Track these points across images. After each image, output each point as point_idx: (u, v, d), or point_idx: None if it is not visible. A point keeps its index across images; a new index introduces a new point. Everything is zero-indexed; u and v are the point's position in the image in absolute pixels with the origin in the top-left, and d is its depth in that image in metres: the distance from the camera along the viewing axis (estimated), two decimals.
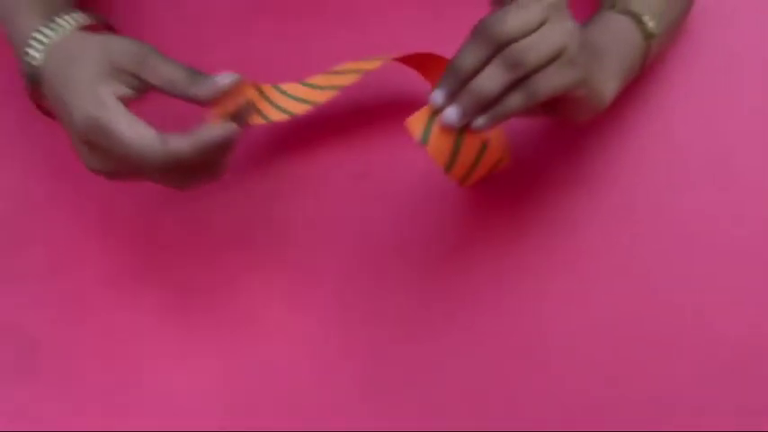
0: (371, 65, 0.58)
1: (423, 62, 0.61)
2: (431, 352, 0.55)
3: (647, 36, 0.57)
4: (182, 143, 0.48)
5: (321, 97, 0.58)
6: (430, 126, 0.51)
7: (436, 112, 0.50)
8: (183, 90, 0.50)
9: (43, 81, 0.53)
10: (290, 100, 0.57)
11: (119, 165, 0.50)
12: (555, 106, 0.53)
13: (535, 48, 0.48)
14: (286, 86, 0.58)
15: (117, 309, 0.57)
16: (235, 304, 0.57)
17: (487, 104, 0.49)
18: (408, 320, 0.56)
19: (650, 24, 0.57)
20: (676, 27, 0.62)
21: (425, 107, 0.51)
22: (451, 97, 0.49)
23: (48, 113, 0.57)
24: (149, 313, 0.57)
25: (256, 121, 0.55)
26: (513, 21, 0.48)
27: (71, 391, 0.55)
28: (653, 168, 0.61)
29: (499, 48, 0.48)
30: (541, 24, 0.49)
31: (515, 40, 0.48)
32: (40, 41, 0.52)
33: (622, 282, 0.57)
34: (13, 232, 0.60)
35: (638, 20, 0.57)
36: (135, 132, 0.48)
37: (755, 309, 0.56)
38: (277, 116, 0.56)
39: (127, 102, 0.51)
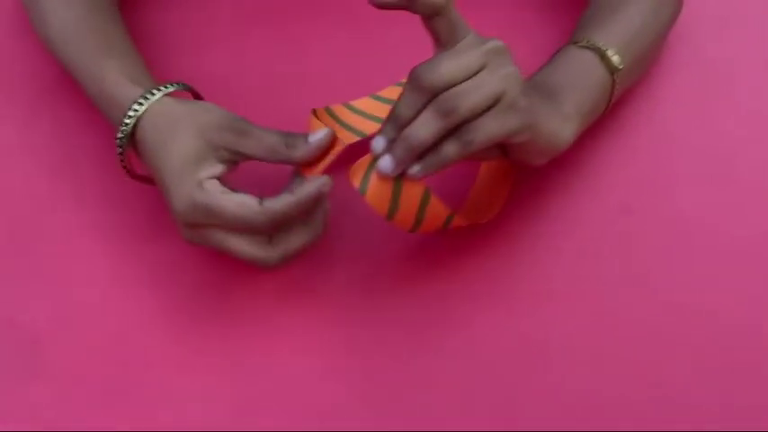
0: None
1: None
2: (432, 352, 0.55)
3: (612, 70, 0.56)
4: (279, 203, 0.49)
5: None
6: (368, 175, 0.50)
7: (375, 160, 0.50)
8: (283, 156, 0.51)
9: (138, 149, 0.54)
10: (361, 118, 0.56)
11: (218, 240, 0.51)
12: (505, 150, 0.53)
13: (469, 94, 0.47)
14: (356, 103, 0.57)
15: (120, 309, 0.57)
16: (237, 305, 0.57)
17: (423, 153, 0.49)
18: (409, 321, 0.56)
19: (614, 59, 0.56)
20: (650, 55, 0.61)
21: (367, 155, 0.50)
22: (390, 145, 0.49)
23: (136, 177, 0.57)
24: (151, 314, 0.57)
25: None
26: (446, 67, 0.47)
27: (73, 392, 0.54)
28: (652, 168, 0.61)
29: (433, 94, 0.47)
30: (479, 70, 0.48)
31: (448, 87, 0.47)
32: (136, 110, 0.53)
33: (622, 282, 0.57)
34: (18, 232, 0.60)
35: (601, 54, 0.56)
36: (236, 203, 0.49)
37: (756, 309, 0.56)
38: (350, 139, 0.55)
39: (222, 178, 0.52)
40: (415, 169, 0.49)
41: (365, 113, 0.57)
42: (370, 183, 0.50)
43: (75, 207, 0.61)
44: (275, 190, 0.61)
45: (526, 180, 0.61)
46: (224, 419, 0.53)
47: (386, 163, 0.49)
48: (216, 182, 0.51)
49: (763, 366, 0.55)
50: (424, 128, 0.48)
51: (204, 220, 0.51)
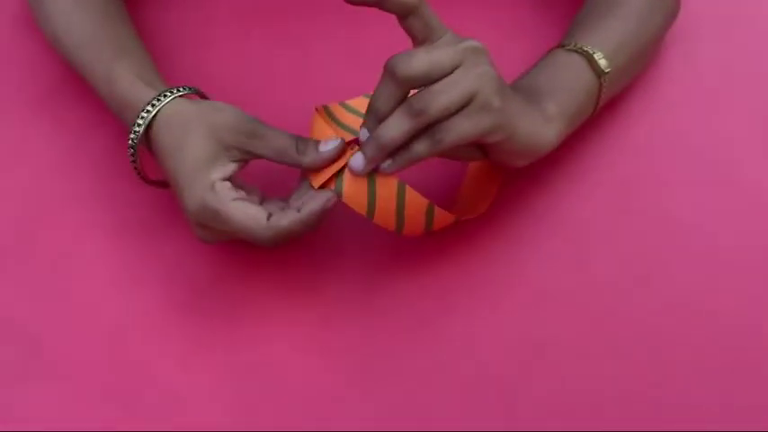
0: None
1: None
2: (432, 351, 0.55)
3: (600, 74, 0.56)
4: (286, 221, 0.50)
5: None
6: (342, 175, 0.51)
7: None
8: (293, 159, 0.52)
9: (152, 149, 0.55)
10: (357, 117, 0.57)
11: (227, 236, 0.53)
12: (484, 151, 0.53)
13: (441, 95, 0.47)
14: (352, 102, 0.58)
15: (120, 308, 0.57)
16: (235, 304, 0.57)
17: (394, 150, 0.49)
18: (409, 319, 0.56)
19: (602, 62, 0.56)
20: (643, 56, 0.60)
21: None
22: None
23: (149, 182, 0.58)
24: (150, 314, 0.57)
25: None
26: (419, 60, 0.47)
27: (73, 392, 0.55)
28: (645, 168, 0.61)
29: (405, 86, 0.47)
30: (454, 68, 0.48)
31: (421, 82, 0.47)
32: (149, 111, 0.54)
33: (617, 282, 0.57)
34: (20, 231, 0.60)
35: (588, 58, 0.56)
36: (244, 215, 0.50)
37: (756, 309, 0.56)
38: (347, 136, 0.56)
39: (233, 177, 0.53)
40: (386, 164, 0.50)
41: (360, 113, 0.57)
42: (344, 183, 0.51)
43: (76, 207, 0.61)
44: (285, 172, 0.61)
45: (514, 180, 0.61)
46: (224, 418, 0.53)
47: (357, 161, 0.50)
48: (227, 185, 0.52)
49: (763, 366, 0.54)
50: (395, 128, 0.48)
51: (213, 224, 0.51)
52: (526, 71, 0.57)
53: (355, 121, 0.56)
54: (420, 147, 0.49)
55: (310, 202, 0.51)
